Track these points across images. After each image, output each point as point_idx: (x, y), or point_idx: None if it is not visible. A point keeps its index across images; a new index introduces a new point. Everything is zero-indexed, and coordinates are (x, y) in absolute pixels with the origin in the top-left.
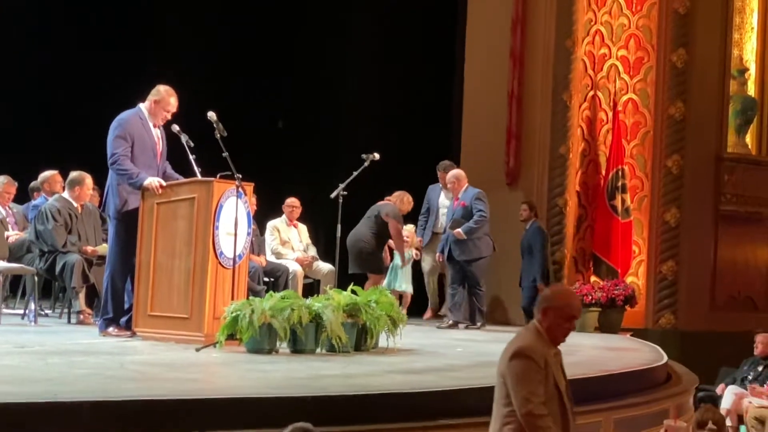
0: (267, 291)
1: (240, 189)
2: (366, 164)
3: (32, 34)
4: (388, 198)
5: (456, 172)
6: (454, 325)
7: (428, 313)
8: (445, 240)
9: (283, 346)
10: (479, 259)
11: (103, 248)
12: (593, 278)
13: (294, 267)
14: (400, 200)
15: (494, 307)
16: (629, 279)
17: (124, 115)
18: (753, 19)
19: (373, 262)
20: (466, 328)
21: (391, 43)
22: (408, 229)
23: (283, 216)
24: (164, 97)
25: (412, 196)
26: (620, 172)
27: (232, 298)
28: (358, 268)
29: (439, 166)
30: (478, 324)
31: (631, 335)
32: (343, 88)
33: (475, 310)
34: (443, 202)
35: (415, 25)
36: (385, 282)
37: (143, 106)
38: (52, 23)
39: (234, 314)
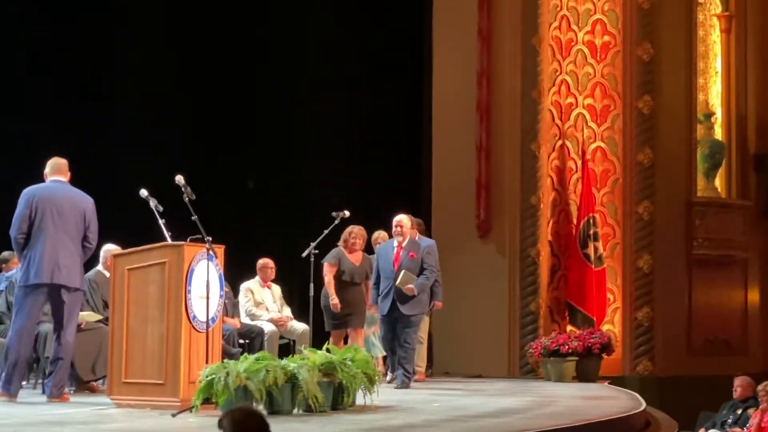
0: (242, 353)
1: (211, 252)
2: (336, 222)
3: None
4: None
5: (406, 217)
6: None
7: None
8: (385, 292)
9: (260, 408)
10: (421, 314)
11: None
12: (569, 327)
13: (269, 328)
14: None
15: (466, 358)
16: (605, 327)
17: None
18: (717, 64)
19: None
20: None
21: (360, 101)
22: None
23: (257, 277)
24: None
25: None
26: (591, 221)
27: (207, 362)
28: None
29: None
30: (410, 381)
31: (609, 383)
32: (312, 146)
33: (408, 366)
34: None
35: (383, 80)
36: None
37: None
38: None
39: (209, 378)
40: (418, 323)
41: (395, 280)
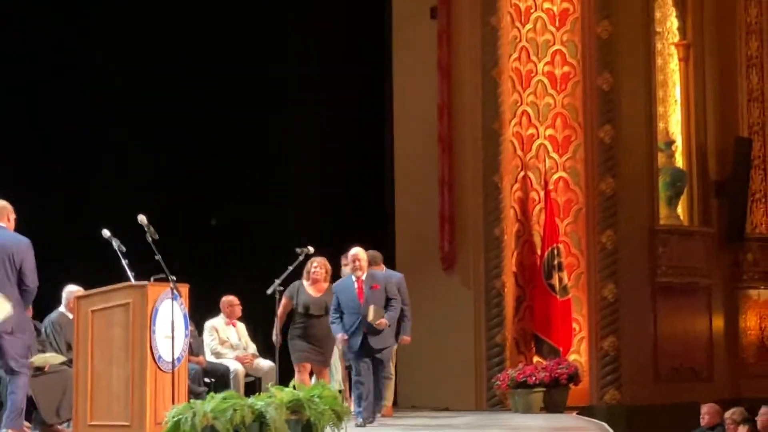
0: (208, 392)
1: (175, 291)
2: (301, 258)
3: None
4: None
5: (361, 250)
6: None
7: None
8: (353, 329)
9: None
10: (391, 347)
11: (39, 359)
12: (536, 358)
13: (234, 366)
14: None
15: (433, 392)
16: (572, 357)
17: None
18: (676, 92)
19: None
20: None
21: (320, 132)
22: None
23: (221, 315)
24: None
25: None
26: (555, 251)
27: (173, 402)
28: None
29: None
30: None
31: (578, 413)
32: (274, 181)
33: (380, 399)
34: None
35: (343, 114)
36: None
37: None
38: None
39: (176, 419)
40: (390, 356)
41: (365, 316)
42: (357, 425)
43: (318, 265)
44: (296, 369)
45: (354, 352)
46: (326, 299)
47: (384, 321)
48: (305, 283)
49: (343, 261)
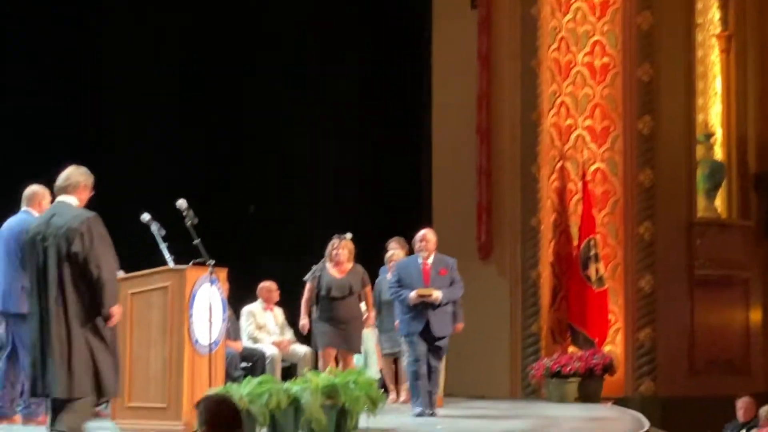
0: (244, 376)
1: (213, 275)
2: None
3: None
4: None
5: (431, 231)
6: (426, 411)
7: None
8: (414, 313)
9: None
10: (449, 336)
11: None
12: (571, 348)
13: (271, 351)
14: None
15: (469, 380)
16: (607, 348)
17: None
18: (716, 84)
19: None
20: (431, 415)
21: (359, 123)
22: None
23: (259, 300)
24: (36, 191)
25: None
26: (592, 242)
27: (210, 386)
28: None
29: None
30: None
31: (612, 404)
32: (313, 169)
33: (434, 392)
34: None
35: (382, 103)
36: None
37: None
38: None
39: None
40: (447, 345)
41: (428, 296)
42: (415, 415)
43: (338, 246)
44: (321, 355)
45: (413, 336)
46: (350, 280)
47: (438, 295)
48: (328, 265)
49: (393, 245)
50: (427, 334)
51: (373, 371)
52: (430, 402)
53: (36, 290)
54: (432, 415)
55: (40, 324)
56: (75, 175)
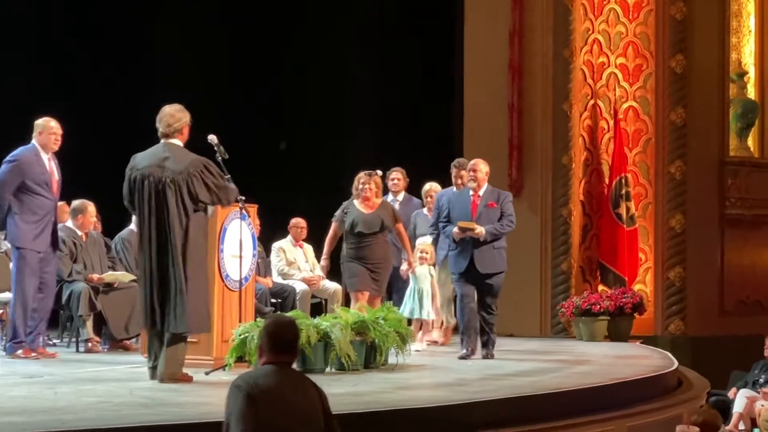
0: (275, 312)
1: (243, 211)
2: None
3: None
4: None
5: (483, 162)
6: (470, 355)
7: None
8: (460, 249)
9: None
10: (501, 273)
11: (109, 276)
12: (601, 287)
13: (301, 287)
14: None
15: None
16: (637, 286)
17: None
18: (750, 23)
19: None
20: (485, 357)
21: (390, 60)
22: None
23: (289, 237)
24: (45, 125)
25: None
26: (624, 180)
27: (240, 321)
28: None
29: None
30: (491, 352)
31: (641, 343)
32: (344, 106)
33: (489, 337)
34: None
35: (413, 41)
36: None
37: (34, 141)
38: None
39: (242, 336)
40: (501, 284)
41: (470, 229)
42: (460, 357)
43: (365, 181)
44: (352, 297)
45: (459, 274)
46: (380, 215)
47: (480, 231)
48: (355, 202)
49: (395, 174)
50: (473, 271)
51: (426, 312)
52: (476, 343)
53: (147, 230)
54: (491, 357)
55: (157, 262)
56: (177, 116)
